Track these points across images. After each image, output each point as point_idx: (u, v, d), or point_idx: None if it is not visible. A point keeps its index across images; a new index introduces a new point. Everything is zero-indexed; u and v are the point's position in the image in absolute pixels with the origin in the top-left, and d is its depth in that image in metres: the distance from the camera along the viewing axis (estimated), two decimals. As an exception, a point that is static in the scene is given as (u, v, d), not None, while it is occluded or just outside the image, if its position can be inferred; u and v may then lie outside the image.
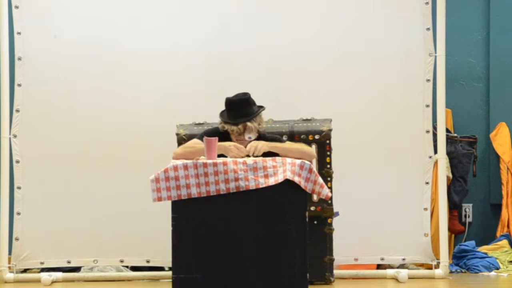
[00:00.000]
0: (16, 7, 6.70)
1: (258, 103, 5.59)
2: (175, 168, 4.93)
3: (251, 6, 6.76)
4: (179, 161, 4.99)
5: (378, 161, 6.70)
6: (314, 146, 6.20)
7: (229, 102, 5.50)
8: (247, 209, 4.96)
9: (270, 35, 6.74)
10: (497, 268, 7.08)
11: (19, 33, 6.70)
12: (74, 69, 6.71)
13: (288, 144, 5.54)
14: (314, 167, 5.80)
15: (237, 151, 5.31)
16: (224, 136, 5.50)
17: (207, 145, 5.08)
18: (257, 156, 5.28)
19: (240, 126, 5.46)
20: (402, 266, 6.83)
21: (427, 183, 6.71)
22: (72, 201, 6.65)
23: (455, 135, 7.57)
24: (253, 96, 5.55)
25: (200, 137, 5.57)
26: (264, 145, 5.38)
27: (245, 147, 5.37)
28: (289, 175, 4.95)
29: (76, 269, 6.78)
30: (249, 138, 5.47)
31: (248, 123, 5.46)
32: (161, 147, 6.38)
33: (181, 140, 6.16)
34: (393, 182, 6.70)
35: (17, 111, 6.68)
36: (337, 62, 6.74)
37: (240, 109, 5.47)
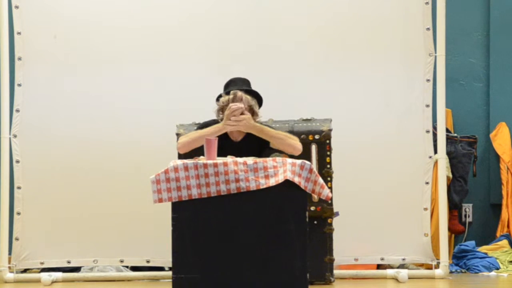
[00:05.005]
0: (16, 7, 6.69)
1: (258, 103, 5.67)
2: (176, 169, 4.93)
3: (251, 6, 6.76)
4: (179, 161, 4.99)
5: (378, 161, 6.70)
6: (314, 146, 6.21)
7: (232, 79, 5.75)
8: (247, 209, 4.96)
9: (270, 35, 6.74)
10: (497, 268, 7.08)
11: (19, 33, 6.70)
12: (74, 69, 6.70)
13: (273, 132, 5.61)
14: (314, 167, 5.82)
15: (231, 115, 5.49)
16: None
17: (207, 145, 5.08)
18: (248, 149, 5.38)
19: (235, 95, 5.56)
20: (402, 266, 6.83)
21: (427, 183, 6.71)
22: (72, 201, 6.65)
23: (455, 135, 7.57)
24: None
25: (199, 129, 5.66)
26: (248, 124, 5.55)
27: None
28: (289, 176, 4.95)
29: (76, 269, 6.78)
30: None
31: (242, 93, 5.62)
32: (161, 147, 6.39)
33: (181, 140, 6.16)
34: (393, 182, 6.70)
35: (17, 111, 6.68)
36: (337, 62, 6.74)
37: (237, 84, 5.73)
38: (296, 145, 5.63)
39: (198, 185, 4.94)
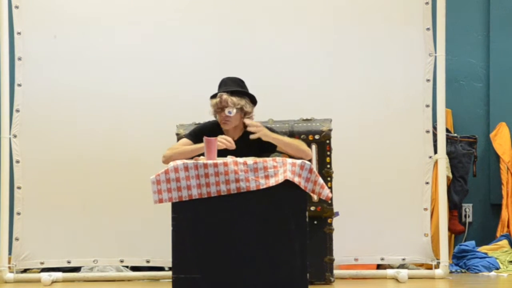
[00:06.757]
0: (16, 7, 6.70)
1: (258, 103, 5.62)
2: (176, 169, 4.92)
3: (251, 7, 6.76)
4: (179, 161, 4.99)
5: (378, 161, 6.70)
6: (314, 146, 6.21)
7: (223, 79, 5.62)
8: (247, 209, 4.95)
9: (270, 35, 6.74)
10: (497, 268, 7.08)
11: (19, 33, 6.70)
12: (74, 69, 6.70)
13: (288, 139, 5.58)
14: (314, 167, 5.81)
15: (225, 141, 5.37)
16: (215, 129, 5.53)
17: (207, 145, 5.08)
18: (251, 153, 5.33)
19: (221, 99, 5.49)
20: (402, 266, 6.83)
21: (427, 183, 6.71)
22: (72, 201, 6.65)
23: (455, 135, 7.57)
24: (253, 96, 5.59)
25: (190, 136, 5.60)
26: (266, 132, 5.45)
27: (228, 123, 5.53)
28: (289, 176, 4.95)
29: (76, 269, 6.78)
30: (229, 113, 5.49)
31: (227, 96, 5.50)
32: (162, 147, 6.35)
33: (181, 140, 6.16)
34: (393, 182, 6.70)
35: (17, 111, 6.68)
36: (337, 62, 6.74)
37: (227, 85, 5.58)
38: (308, 151, 5.60)
39: (198, 185, 4.93)
